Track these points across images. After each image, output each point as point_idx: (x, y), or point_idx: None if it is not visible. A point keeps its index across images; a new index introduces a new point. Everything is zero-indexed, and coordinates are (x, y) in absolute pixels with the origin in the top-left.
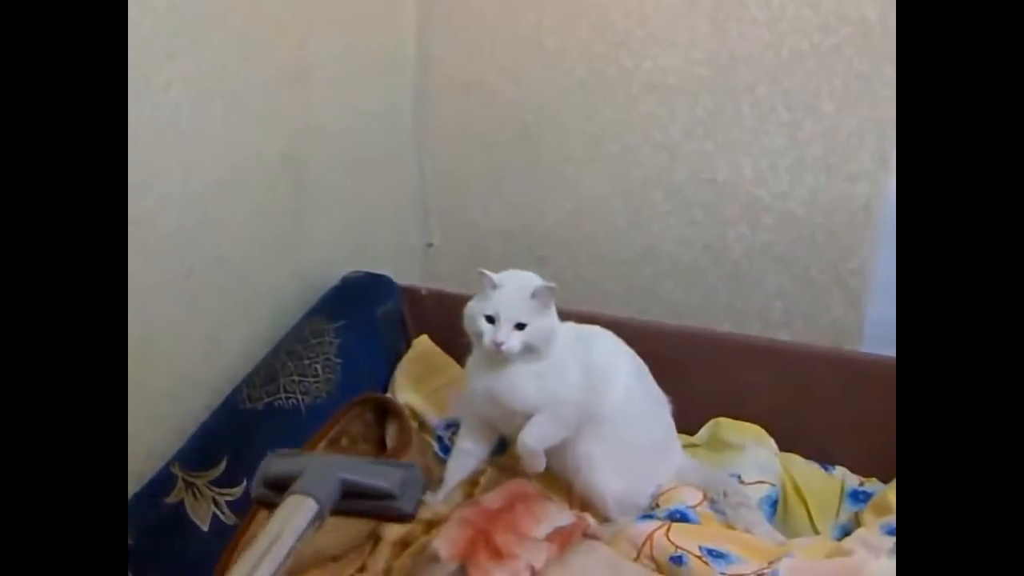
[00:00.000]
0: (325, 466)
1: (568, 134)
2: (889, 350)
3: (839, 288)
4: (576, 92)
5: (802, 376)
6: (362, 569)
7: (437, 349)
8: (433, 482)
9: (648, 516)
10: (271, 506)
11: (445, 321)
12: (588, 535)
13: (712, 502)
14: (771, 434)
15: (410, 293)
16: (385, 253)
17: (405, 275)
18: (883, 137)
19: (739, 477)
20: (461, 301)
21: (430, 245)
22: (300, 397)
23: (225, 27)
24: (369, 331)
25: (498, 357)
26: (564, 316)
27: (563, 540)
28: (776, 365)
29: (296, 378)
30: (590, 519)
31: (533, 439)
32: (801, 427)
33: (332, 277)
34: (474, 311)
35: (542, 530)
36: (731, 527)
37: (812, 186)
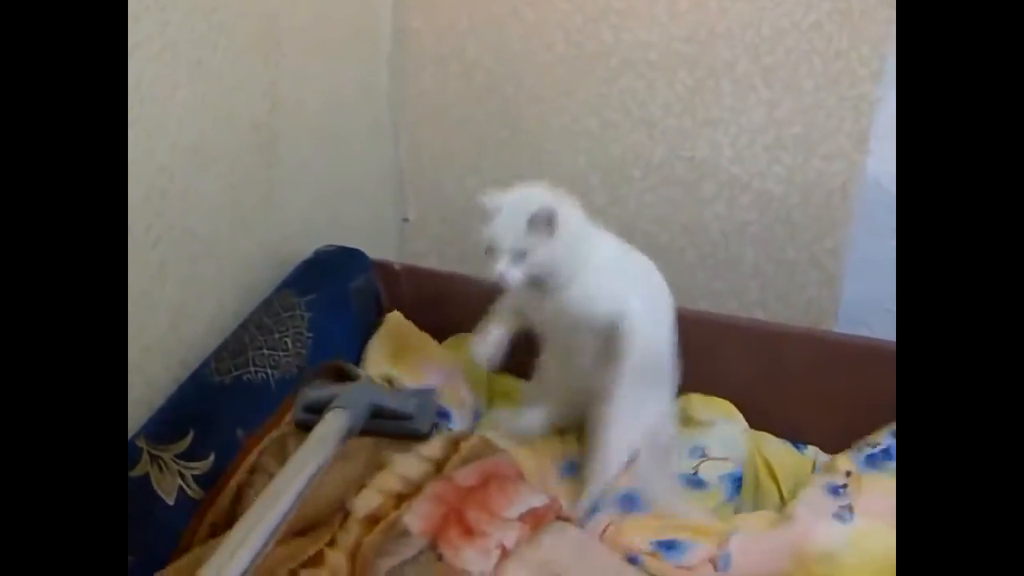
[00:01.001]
0: (356, 390)
1: (547, 109)
2: (863, 330)
3: (815, 268)
4: (555, 67)
5: (776, 355)
6: (331, 543)
7: (410, 324)
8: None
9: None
10: (309, 428)
11: (419, 296)
12: (560, 517)
13: None
14: (744, 412)
15: (384, 268)
16: (360, 228)
17: (380, 250)
18: (860, 116)
19: (703, 451)
20: (435, 276)
21: (406, 220)
22: (269, 371)
23: None
24: (341, 305)
25: (528, 292)
26: None
27: (535, 521)
28: (751, 344)
29: (265, 352)
30: (562, 502)
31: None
32: (774, 405)
33: (304, 251)
34: (481, 243)
35: (514, 510)
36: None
37: (790, 165)
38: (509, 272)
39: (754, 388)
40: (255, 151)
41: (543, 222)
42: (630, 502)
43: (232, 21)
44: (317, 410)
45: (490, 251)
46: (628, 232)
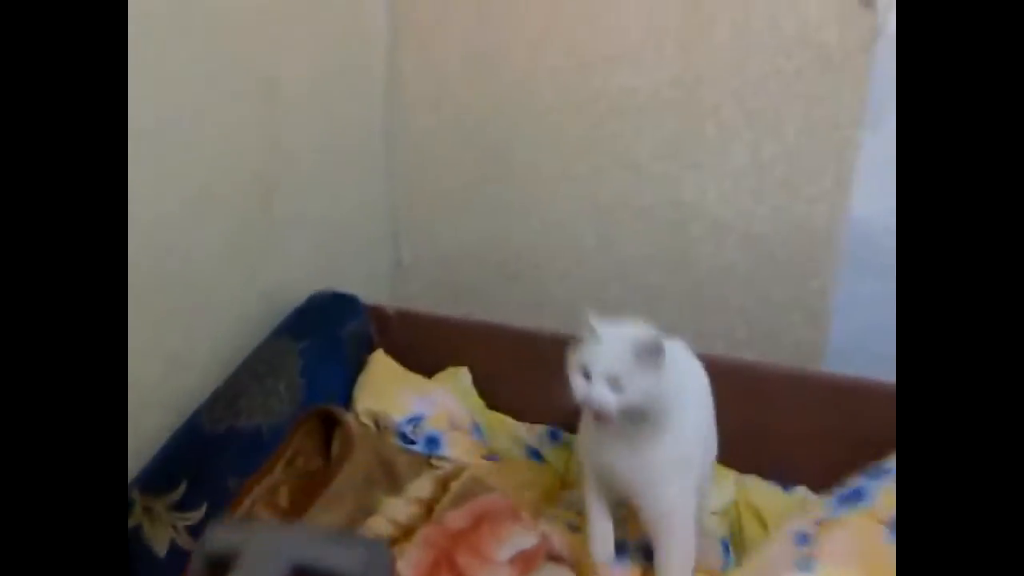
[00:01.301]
0: (270, 544)
1: (537, 154)
2: (851, 369)
3: (801, 308)
4: (545, 113)
5: (764, 395)
6: None
7: (395, 363)
8: (395, 476)
9: (622, 548)
10: None
11: (412, 341)
12: (552, 557)
13: None
14: (731, 454)
15: (377, 313)
16: (354, 272)
17: (375, 294)
18: (843, 160)
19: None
20: (428, 321)
21: (400, 264)
22: (262, 419)
23: (190, 41)
24: (334, 351)
25: (602, 426)
26: (541, 337)
27: (526, 563)
28: (739, 384)
29: (258, 399)
30: (555, 540)
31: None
32: (763, 447)
33: (299, 296)
34: (571, 362)
35: (505, 552)
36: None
37: (774, 207)
38: (604, 395)
39: (742, 429)
40: (254, 198)
41: (649, 354)
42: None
43: (229, 71)
44: (219, 565)
45: (584, 375)
46: (619, 273)
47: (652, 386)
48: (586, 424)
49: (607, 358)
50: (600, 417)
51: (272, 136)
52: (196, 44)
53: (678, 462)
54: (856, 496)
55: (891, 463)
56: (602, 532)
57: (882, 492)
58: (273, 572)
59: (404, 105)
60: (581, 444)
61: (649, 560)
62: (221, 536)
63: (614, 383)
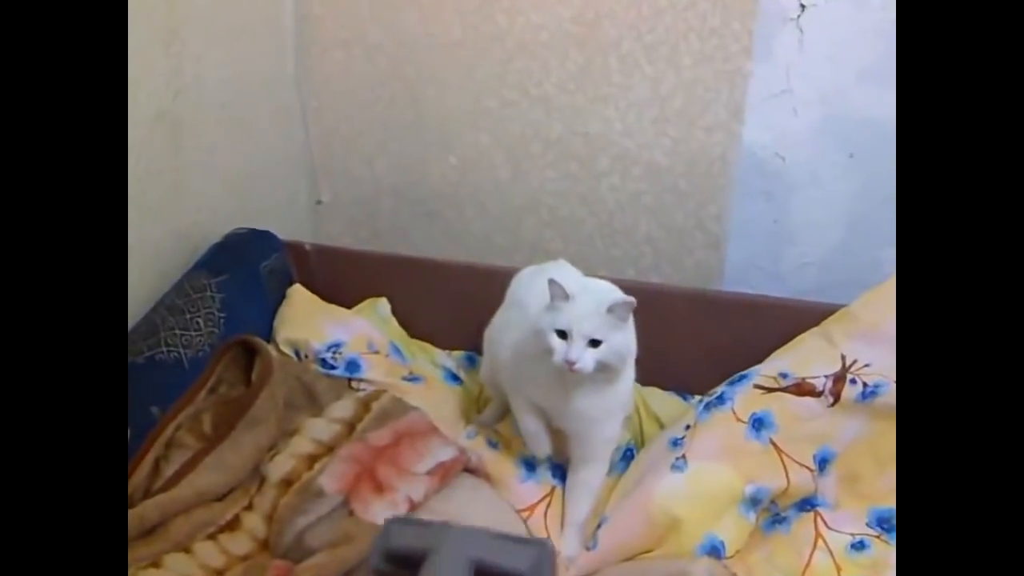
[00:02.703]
0: (455, 544)
1: (448, 91)
2: (745, 287)
3: (702, 232)
4: (453, 49)
5: (668, 315)
6: (249, 507)
7: (313, 296)
8: (316, 399)
9: (531, 468)
10: None
11: (331, 276)
12: (469, 469)
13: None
14: (638, 370)
15: (295, 248)
16: (275, 211)
17: (297, 232)
18: (735, 89)
19: None
20: (345, 255)
21: (320, 202)
22: (182, 350)
23: None
24: (252, 286)
25: (569, 376)
26: (457, 268)
27: (444, 473)
28: (644, 305)
29: (177, 332)
30: (472, 455)
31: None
32: (664, 361)
33: (216, 236)
34: (544, 324)
35: (424, 465)
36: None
37: (675, 137)
38: (583, 358)
39: (646, 346)
40: (160, 139)
41: (621, 311)
42: (561, 474)
43: (131, 8)
44: (402, 562)
45: (562, 335)
46: (532, 206)
47: (624, 340)
48: (530, 368)
49: (584, 319)
50: (574, 371)
51: (175, 76)
52: None
53: (626, 400)
54: (719, 401)
55: (749, 371)
56: (541, 435)
57: (739, 396)
58: (462, 569)
59: (314, 46)
60: (513, 378)
61: (557, 479)
62: (403, 533)
63: (592, 342)
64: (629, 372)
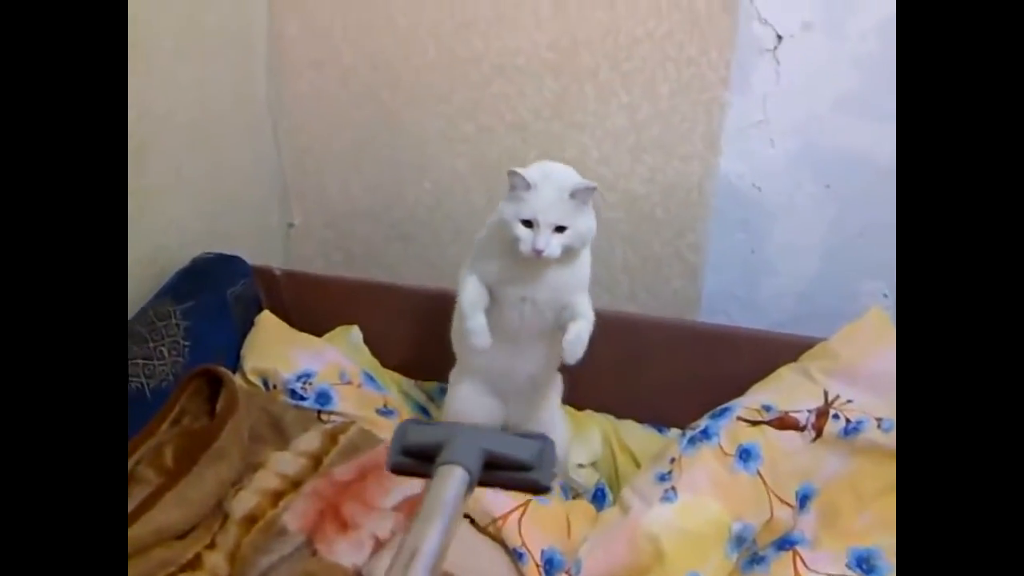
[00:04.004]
0: (469, 436)
1: (424, 114)
2: (722, 317)
3: (679, 261)
4: (429, 72)
5: (642, 346)
6: (211, 546)
7: (282, 323)
8: (283, 431)
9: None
10: (408, 474)
11: (301, 302)
12: None
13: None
14: (612, 401)
15: (264, 274)
16: (245, 234)
17: (268, 256)
18: (712, 119)
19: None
20: (316, 281)
21: (291, 225)
22: (144, 380)
23: None
24: (219, 312)
25: (536, 262)
26: (430, 295)
27: (410, 508)
28: (618, 336)
29: (140, 361)
30: None
31: (583, 347)
32: (640, 392)
33: (183, 260)
34: (507, 214)
35: (390, 500)
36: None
37: (651, 166)
38: (550, 245)
39: (621, 378)
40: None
41: (583, 195)
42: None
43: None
44: (417, 455)
45: (527, 224)
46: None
47: (587, 223)
48: (503, 262)
49: (548, 207)
50: (541, 259)
51: (141, 96)
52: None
53: (588, 270)
54: (704, 435)
55: (731, 404)
56: (482, 324)
57: (724, 429)
58: (475, 454)
59: (287, 67)
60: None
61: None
62: (417, 430)
63: (557, 228)
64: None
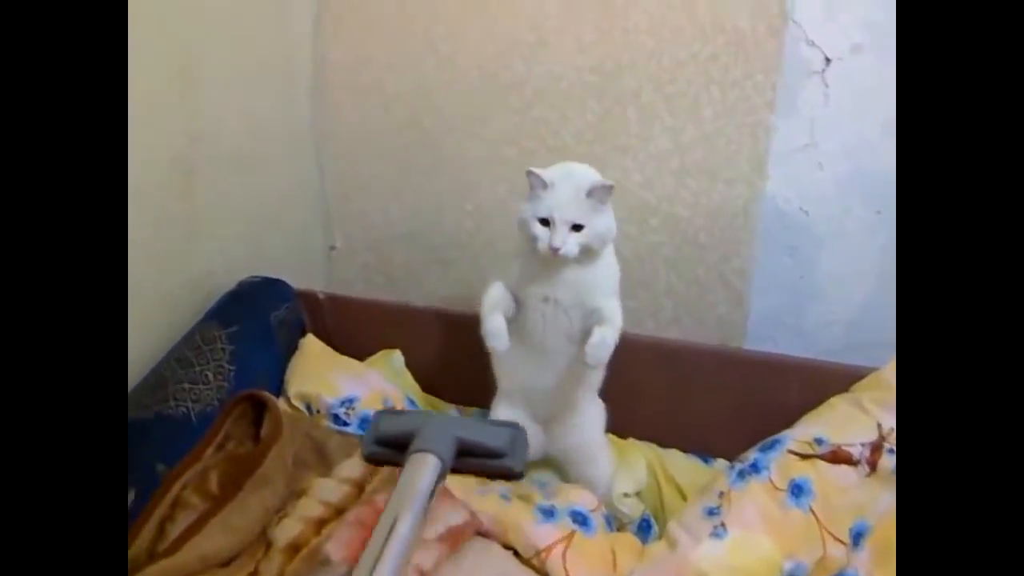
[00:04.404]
0: (441, 424)
1: (465, 138)
2: (769, 344)
3: (724, 287)
4: (471, 97)
5: (687, 373)
6: (254, 573)
7: (326, 347)
8: (326, 457)
9: (550, 513)
10: (382, 463)
11: (344, 326)
12: (481, 533)
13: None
14: (656, 429)
15: (308, 297)
16: (288, 258)
17: (309, 279)
18: (757, 142)
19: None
20: (359, 305)
21: (333, 248)
22: (190, 404)
23: None
24: (264, 337)
25: (554, 261)
26: (472, 320)
27: (454, 539)
28: (662, 363)
29: (186, 385)
30: (483, 517)
31: (607, 352)
32: (684, 422)
33: (229, 284)
34: (526, 214)
35: (434, 530)
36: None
37: (695, 189)
38: (567, 244)
39: (666, 406)
40: (173, 185)
41: (601, 194)
42: (582, 520)
43: (146, 55)
44: (391, 445)
45: (545, 222)
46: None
47: (605, 222)
48: (524, 262)
49: (565, 205)
50: (558, 257)
51: (191, 123)
52: None
53: (614, 272)
54: (754, 469)
55: (781, 436)
56: (498, 326)
57: (774, 463)
58: (447, 442)
59: (331, 93)
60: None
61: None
62: (390, 420)
63: (574, 227)
64: (609, 250)
